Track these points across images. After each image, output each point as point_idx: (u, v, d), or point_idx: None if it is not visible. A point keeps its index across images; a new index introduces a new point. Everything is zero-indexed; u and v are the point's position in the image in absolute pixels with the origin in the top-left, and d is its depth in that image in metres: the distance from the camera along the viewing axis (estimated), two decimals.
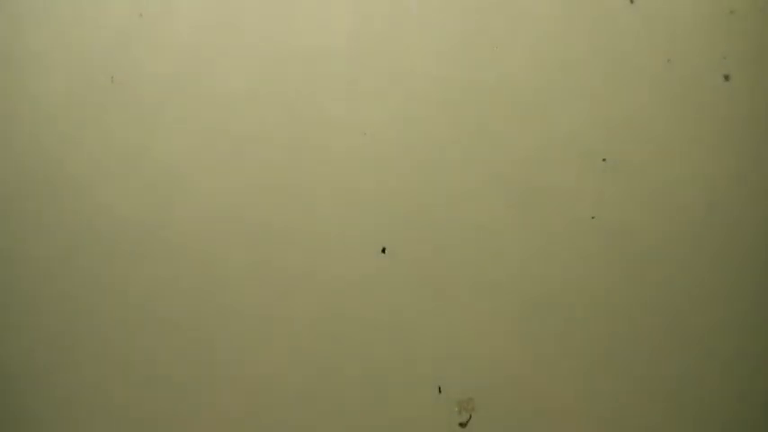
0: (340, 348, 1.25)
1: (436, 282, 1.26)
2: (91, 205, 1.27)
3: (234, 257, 1.26)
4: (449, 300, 1.26)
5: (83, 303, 1.27)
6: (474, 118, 1.28)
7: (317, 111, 1.27)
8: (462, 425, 1.25)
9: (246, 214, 1.26)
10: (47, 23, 1.29)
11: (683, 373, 1.29)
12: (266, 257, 1.26)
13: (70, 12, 1.28)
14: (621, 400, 1.28)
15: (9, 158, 1.29)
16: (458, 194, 1.27)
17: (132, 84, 1.27)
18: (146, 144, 1.27)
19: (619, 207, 1.29)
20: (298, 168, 1.26)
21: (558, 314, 1.27)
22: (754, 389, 1.30)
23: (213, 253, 1.26)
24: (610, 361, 1.28)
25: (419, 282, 1.26)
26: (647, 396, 1.28)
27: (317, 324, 1.25)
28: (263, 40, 1.28)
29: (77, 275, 1.27)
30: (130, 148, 1.27)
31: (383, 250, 1.26)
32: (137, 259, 1.26)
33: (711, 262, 1.30)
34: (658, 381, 1.28)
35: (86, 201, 1.27)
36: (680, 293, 1.29)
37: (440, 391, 1.25)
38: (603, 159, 1.29)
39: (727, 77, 1.32)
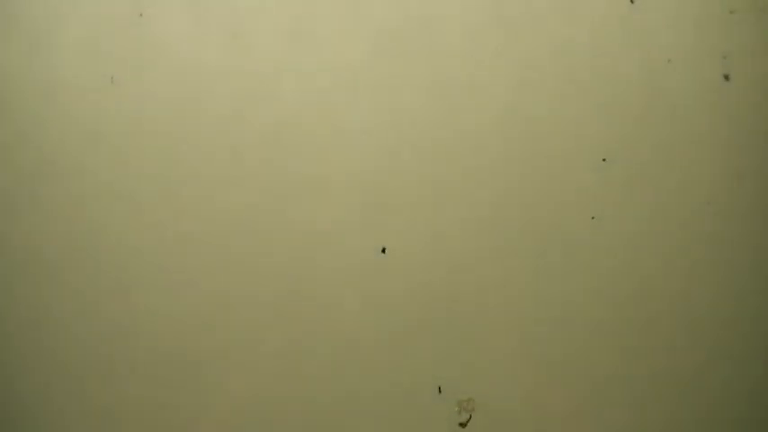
0: (340, 348, 1.25)
1: (436, 282, 1.26)
2: (91, 205, 1.27)
3: (234, 257, 1.26)
4: (449, 300, 1.26)
5: (83, 305, 1.27)
6: (474, 118, 1.28)
7: (318, 111, 1.27)
8: (462, 425, 1.25)
9: (246, 214, 1.26)
10: (47, 23, 1.28)
11: (683, 373, 1.29)
12: (266, 257, 1.26)
13: (70, 11, 1.28)
14: (621, 400, 1.28)
15: (9, 158, 1.29)
16: (458, 194, 1.27)
17: (132, 84, 1.27)
18: (145, 144, 1.27)
19: (619, 207, 1.29)
20: (298, 168, 1.26)
21: (558, 314, 1.27)
22: (755, 389, 1.30)
23: (213, 252, 1.26)
24: (610, 361, 1.28)
25: (419, 282, 1.26)
26: (648, 396, 1.28)
27: (317, 324, 1.25)
28: (261, 38, 1.28)
29: (78, 275, 1.27)
30: (130, 148, 1.27)
31: (383, 250, 1.26)
32: (136, 258, 1.26)
33: (711, 262, 1.30)
34: (658, 380, 1.28)
35: (86, 200, 1.27)
36: (680, 293, 1.29)
37: (440, 391, 1.25)
38: (603, 159, 1.29)
39: (727, 77, 1.32)
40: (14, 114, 1.28)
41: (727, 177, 1.31)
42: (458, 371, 1.26)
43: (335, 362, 1.25)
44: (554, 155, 1.29)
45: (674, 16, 1.31)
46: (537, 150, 1.29)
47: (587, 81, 1.30)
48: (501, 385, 1.26)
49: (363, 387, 1.25)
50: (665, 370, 1.28)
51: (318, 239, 1.26)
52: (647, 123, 1.30)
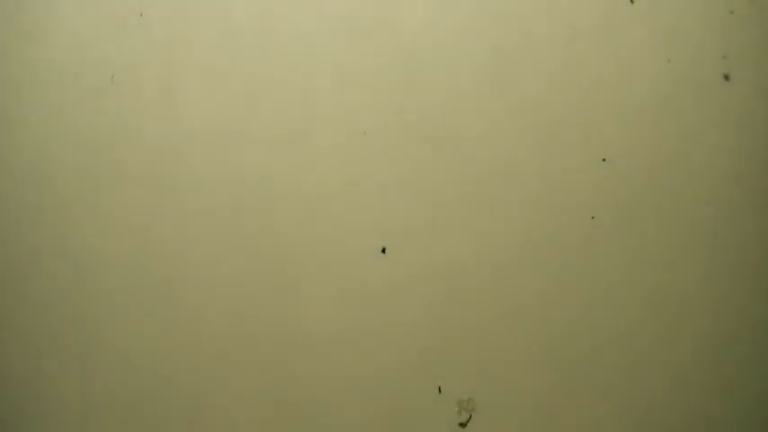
0: (339, 348, 1.25)
1: (436, 282, 1.26)
2: (90, 205, 1.27)
3: (233, 257, 1.26)
4: (449, 299, 1.26)
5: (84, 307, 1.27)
6: (474, 118, 1.28)
7: (318, 111, 1.27)
8: (462, 425, 1.25)
9: (246, 214, 1.26)
10: (47, 23, 1.28)
11: (683, 372, 1.29)
12: (266, 257, 1.26)
13: (70, 11, 1.28)
14: (621, 400, 1.28)
15: (9, 158, 1.29)
16: (458, 194, 1.27)
17: (132, 84, 1.27)
18: (145, 144, 1.27)
19: (619, 207, 1.29)
20: (297, 168, 1.26)
21: (558, 314, 1.27)
22: (755, 390, 1.30)
23: (213, 252, 1.26)
24: (609, 361, 1.28)
25: (419, 282, 1.26)
26: (648, 396, 1.28)
27: (317, 324, 1.25)
28: (261, 38, 1.28)
29: (80, 274, 1.27)
30: (130, 147, 1.27)
31: (383, 250, 1.26)
32: (136, 257, 1.26)
33: (711, 262, 1.30)
34: (658, 380, 1.28)
35: (86, 200, 1.27)
36: (680, 293, 1.29)
37: (440, 391, 1.25)
38: (603, 159, 1.29)
39: (727, 77, 1.32)
40: (14, 114, 1.28)
41: (727, 177, 1.31)
42: (458, 371, 1.26)
43: (335, 362, 1.25)
44: (554, 155, 1.29)
45: (674, 16, 1.31)
46: (537, 150, 1.29)
47: (587, 81, 1.30)
48: (501, 385, 1.26)
49: (363, 387, 1.25)
50: (665, 369, 1.28)
51: (319, 239, 1.26)
52: (647, 123, 1.30)
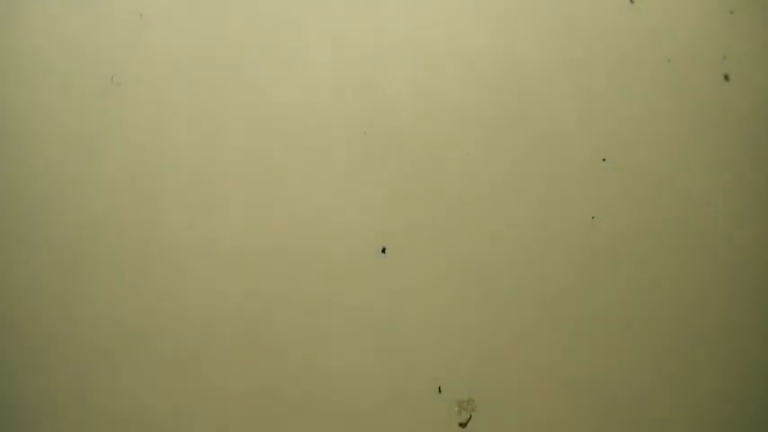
0: (340, 348, 1.25)
1: (436, 282, 1.26)
2: (90, 206, 1.27)
3: (234, 257, 1.26)
4: (449, 300, 1.26)
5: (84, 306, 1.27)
6: (474, 118, 1.28)
7: (318, 110, 1.27)
8: (462, 425, 1.25)
9: (246, 214, 1.26)
10: (47, 23, 1.28)
11: (683, 372, 1.29)
12: (267, 257, 1.26)
13: (70, 11, 1.28)
14: (621, 400, 1.28)
15: (8, 158, 1.29)
16: (458, 195, 1.27)
17: (132, 84, 1.27)
18: (145, 144, 1.27)
19: (619, 207, 1.29)
20: (297, 168, 1.26)
21: (558, 314, 1.27)
22: (755, 390, 1.30)
23: (213, 251, 1.26)
24: (610, 361, 1.28)
25: (419, 282, 1.26)
26: (648, 396, 1.28)
27: (317, 324, 1.25)
28: (261, 38, 1.28)
29: (81, 274, 1.27)
30: (130, 147, 1.27)
31: (383, 250, 1.26)
32: (136, 258, 1.26)
33: (711, 262, 1.30)
34: (658, 380, 1.28)
35: (86, 200, 1.27)
36: (680, 293, 1.29)
37: (440, 391, 1.25)
38: (603, 159, 1.29)
39: (727, 77, 1.32)
40: (13, 114, 1.28)
41: (727, 177, 1.31)
42: (458, 371, 1.26)
43: (335, 361, 1.25)
44: (554, 155, 1.29)
45: (674, 16, 1.31)
46: (537, 150, 1.29)
47: (587, 81, 1.30)
48: (501, 385, 1.26)
49: (363, 387, 1.25)
50: (665, 369, 1.28)
51: (318, 239, 1.26)
52: (647, 123, 1.30)
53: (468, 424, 1.25)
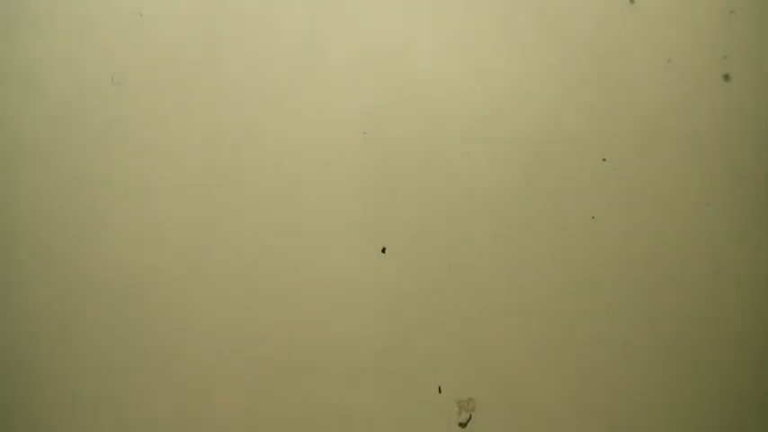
0: (339, 348, 1.25)
1: (436, 282, 1.26)
2: (90, 205, 1.27)
3: (234, 257, 1.26)
4: (449, 300, 1.26)
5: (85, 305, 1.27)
6: (474, 118, 1.28)
7: (318, 110, 1.27)
8: (462, 425, 1.25)
9: (246, 214, 1.26)
10: (47, 23, 1.28)
11: (683, 373, 1.29)
12: (266, 257, 1.26)
13: (70, 11, 1.28)
14: (621, 400, 1.28)
15: (7, 158, 1.29)
16: (458, 195, 1.27)
17: (132, 84, 1.27)
18: (146, 144, 1.27)
19: (619, 207, 1.29)
20: (297, 168, 1.26)
21: (558, 314, 1.27)
22: (755, 389, 1.30)
23: (212, 251, 1.26)
24: (610, 361, 1.28)
25: (419, 282, 1.26)
26: (648, 396, 1.28)
27: (318, 324, 1.25)
28: (261, 38, 1.28)
29: (79, 275, 1.27)
30: (130, 148, 1.27)
31: (383, 250, 1.26)
32: (134, 257, 1.26)
33: (711, 262, 1.30)
34: (659, 380, 1.28)
35: (85, 200, 1.27)
36: (680, 294, 1.29)
37: (440, 391, 1.25)
38: (603, 159, 1.29)
39: (727, 77, 1.32)
40: (13, 114, 1.28)
41: (727, 177, 1.31)
42: (458, 371, 1.26)
43: (335, 361, 1.25)
44: (554, 155, 1.29)
45: (674, 16, 1.31)
46: (537, 150, 1.29)
47: (587, 81, 1.30)
48: (501, 385, 1.26)
49: (363, 387, 1.25)
50: (665, 369, 1.28)
51: (319, 239, 1.26)
52: (647, 123, 1.30)
53: (468, 424, 1.25)
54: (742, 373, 1.30)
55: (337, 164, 1.27)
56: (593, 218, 1.28)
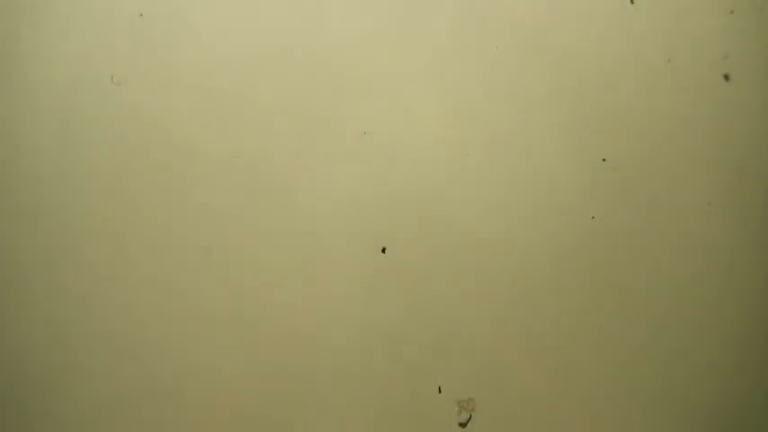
0: (339, 348, 1.25)
1: (436, 282, 1.26)
2: (90, 205, 1.27)
3: (234, 256, 1.26)
4: (449, 300, 1.26)
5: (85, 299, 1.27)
6: (474, 118, 1.28)
7: (319, 109, 1.27)
8: (462, 425, 1.25)
9: (247, 213, 1.26)
10: (47, 23, 1.28)
11: (683, 373, 1.29)
12: (266, 257, 1.26)
13: (70, 11, 1.28)
14: (621, 401, 1.28)
15: (7, 158, 1.29)
16: (458, 195, 1.27)
17: (132, 84, 1.27)
18: (146, 144, 1.27)
19: (619, 207, 1.29)
20: (297, 168, 1.26)
21: (558, 314, 1.27)
22: (755, 390, 1.30)
23: (212, 251, 1.26)
24: (610, 361, 1.28)
25: (419, 282, 1.26)
26: (647, 396, 1.28)
27: (317, 324, 1.25)
28: (263, 40, 1.28)
29: (80, 274, 1.27)
30: (130, 148, 1.27)
31: (383, 250, 1.26)
32: (132, 258, 1.26)
33: (711, 262, 1.30)
34: (659, 380, 1.28)
35: (85, 200, 1.27)
36: (680, 294, 1.29)
37: (440, 391, 1.25)
38: (603, 159, 1.29)
39: (727, 77, 1.32)
40: (14, 114, 1.28)
41: (727, 177, 1.31)
42: (458, 371, 1.26)
43: (335, 361, 1.25)
44: (554, 155, 1.29)
45: (674, 16, 1.31)
46: (537, 150, 1.29)
47: (587, 81, 1.30)
48: (501, 385, 1.26)
49: (363, 387, 1.25)
50: (665, 369, 1.28)
51: (318, 240, 1.26)
52: (647, 123, 1.30)
53: (468, 424, 1.25)
54: (742, 373, 1.30)
55: (337, 163, 1.27)
56: (593, 218, 1.29)
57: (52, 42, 1.28)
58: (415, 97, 1.28)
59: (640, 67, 1.30)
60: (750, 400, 1.30)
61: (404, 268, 1.26)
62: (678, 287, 1.29)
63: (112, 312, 1.26)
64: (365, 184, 1.27)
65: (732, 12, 1.32)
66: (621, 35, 1.30)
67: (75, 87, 1.28)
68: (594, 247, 1.28)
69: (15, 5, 1.29)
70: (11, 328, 1.26)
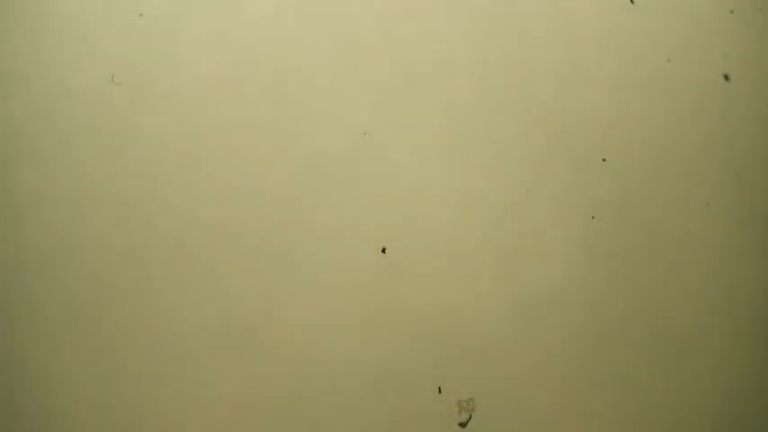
0: (340, 348, 1.25)
1: (436, 282, 1.26)
2: (90, 205, 1.27)
3: (234, 256, 1.26)
4: (448, 300, 1.26)
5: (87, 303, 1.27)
6: (475, 119, 1.28)
7: (319, 109, 1.27)
8: (462, 425, 1.25)
9: (247, 213, 1.26)
10: (47, 23, 1.28)
11: (682, 373, 1.29)
12: (266, 258, 1.26)
13: (70, 11, 1.28)
14: (621, 400, 1.28)
15: (6, 158, 1.29)
16: (458, 195, 1.27)
17: (132, 84, 1.27)
18: (146, 144, 1.27)
19: (619, 207, 1.29)
20: (298, 168, 1.26)
21: (558, 314, 1.27)
22: (754, 389, 1.30)
23: (212, 251, 1.26)
24: (610, 361, 1.28)
25: (419, 282, 1.26)
26: (647, 396, 1.28)
27: (317, 324, 1.25)
28: (263, 41, 1.28)
29: (79, 275, 1.27)
30: (130, 147, 1.27)
31: (383, 250, 1.26)
32: (131, 258, 1.26)
33: (711, 262, 1.30)
34: (658, 380, 1.28)
35: (85, 200, 1.27)
36: (680, 293, 1.29)
37: (440, 391, 1.25)
38: (603, 159, 1.29)
39: (727, 77, 1.32)
40: (13, 114, 1.28)
41: (727, 177, 1.31)
42: (458, 371, 1.26)
43: (335, 361, 1.25)
44: (554, 155, 1.29)
45: (674, 16, 1.31)
46: (537, 150, 1.29)
47: (587, 81, 1.30)
48: (501, 385, 1.26)
49: (363, 387, 1.25)
50: (665, 369, 1.28)
51: (319, 240, 1.26)
52: (647, 123, 1.30)
53: (468, 424, 1.25)
54: (742, 373, 1.30)
55: (337, 163, 1.27)
56: (593, 218, 1.29)
57: (52, 42, 1.28)
58: (416, 98, 1.28)
59: (640, 67, 1.30)
60: (751, 400, 1.30)
61: (404, 268, 1.26)
62: (678, 287, 1.29)
63: (111, 310, 1.26)
64: (365, 183, 1.26)
65: (732, 12, 1.32)
66: (621, 35, 1.30)
67: (75, 87, 1.28)
68: (594, 247, 1.28)
69: (15, 6, 1.29)
70: (11, 329, 1.26)
